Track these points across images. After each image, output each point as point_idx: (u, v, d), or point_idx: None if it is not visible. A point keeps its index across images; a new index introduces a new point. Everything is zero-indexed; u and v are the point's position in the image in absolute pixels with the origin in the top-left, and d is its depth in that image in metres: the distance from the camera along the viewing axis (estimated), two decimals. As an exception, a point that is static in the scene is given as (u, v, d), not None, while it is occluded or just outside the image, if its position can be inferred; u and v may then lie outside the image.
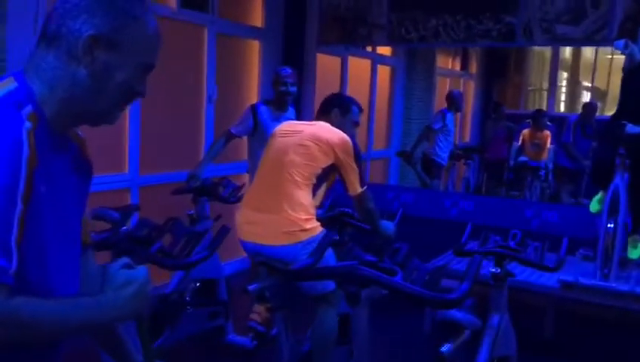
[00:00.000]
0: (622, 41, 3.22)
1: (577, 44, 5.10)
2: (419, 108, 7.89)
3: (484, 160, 7.93)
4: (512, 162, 7.15)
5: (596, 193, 5.97)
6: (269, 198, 2.59)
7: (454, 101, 6.54)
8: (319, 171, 2.60)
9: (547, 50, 9.61)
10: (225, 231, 2.36)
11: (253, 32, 5.09)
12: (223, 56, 4.69)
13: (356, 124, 2.89)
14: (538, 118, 7.04)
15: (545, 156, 6.97)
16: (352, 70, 6.43)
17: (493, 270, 2.50)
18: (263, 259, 2.45)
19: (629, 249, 3.75)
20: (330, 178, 2.71)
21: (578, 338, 4.00)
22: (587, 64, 9.98)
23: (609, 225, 3.45)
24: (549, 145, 6.92)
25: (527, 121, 7.16)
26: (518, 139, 7.18)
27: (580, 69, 10.74)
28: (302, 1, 5.31)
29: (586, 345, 3.85)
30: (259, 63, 5.12)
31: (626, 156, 3.44)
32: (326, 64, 5.95)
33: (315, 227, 2.56)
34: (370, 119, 7.00)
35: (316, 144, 2.61)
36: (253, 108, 3.75)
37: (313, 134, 2.64)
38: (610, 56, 10.37)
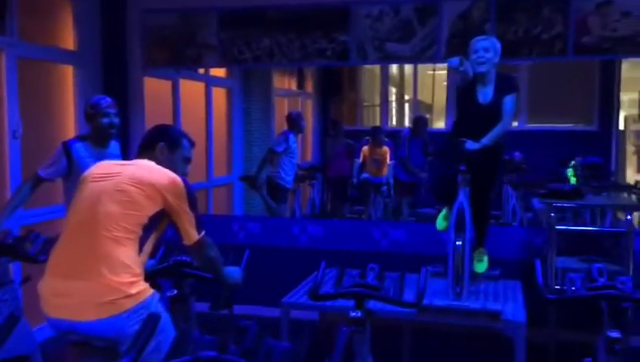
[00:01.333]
0: (456, 59, 3.20)
1: (409, 61, 5.18)
2: (259, 130, 7.67)
3: (326, 178, 7.91)
4: (355, 180, 7.17)
5: (434, 205, 6.22)
6: (80, 261, 2.10)
7: (295, 122, 6.39)
8: (145, 221, 2.16)
9: (377, 67, 9.93)
10: (14, 320, 1.80)
11: (65, 56, 4.48)
12: (29, 84, 4.04)
13: (188, 160, 2.47)
14: (376, 134, 7.15)
15: (385, 172, 7.08)
16: (184, 94, 6.00)
17: (354, 314, 2.26)
18: (79, 338, 1.98)
19: (475, 263, 3.79)
20: (160, 226, 2.28)
21: (435, 355, 3.98)
22: (410, 80, 10.50)
23: (457, 243, 3.42)
24: (388, 160, 7.03)
25: (366, 137, 7.24)
26: (359, 156, 7.23)
27: (404, 84, 11.27)
28: (121, 22, 4.80)
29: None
30: (74, 91, 4.51)
31: (466, 172, 3.44)
32: (155, 89, 5.46)
33: (142, 290, 2.11)
34: (209, 144, 6.61)
35: (138, 188, 2.17)
36: (66, 147, 3.20)
37: (134, 176, 2.20)
38: (431, 72, 11.02)
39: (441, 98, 10.15)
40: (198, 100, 6.47)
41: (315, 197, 7.64)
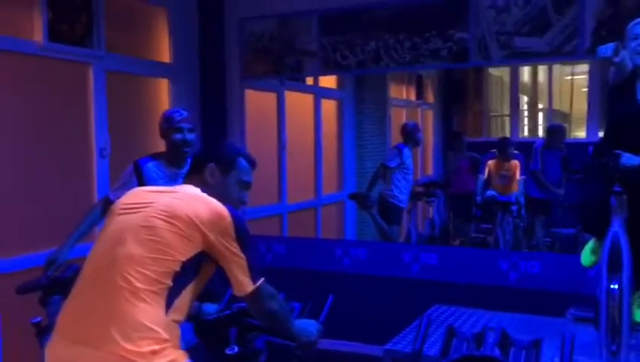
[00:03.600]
0: (609, 46, 2.43)
1: (543, 58, 4.37)
2: (373, 143, 7.12)
3: (448, 195, 7.16)
4: (479, 198, 6.36)
5: (574, 225, 5.27)
6: (91, 321, 1.62)
7: (410, 134, 5.77)
8: (177, 268, 1.66)
9: (506, 74, 9.07)
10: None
11: (159, 69, 4.24)
12: (119, 99, 3.82)
13: (246, 185, 1.98)
14: (504, 147, 6.30)
15: (515, 188, 6.20)
16: (291, 107, 5.62)
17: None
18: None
19: (636, 311, 2.93)
20: (202, 274, 1.77)
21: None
22: (544, 87, 9.49)
23: (612, 286, 2.62)
24: (518, 176, 6.16)
25: (493, 150, 6.42)
26: (484, 171, 6.42)
27: (538, 92, 10.25)
28: (218, 32, 4.50)
29: None
30: (170, 105, 4.25)
31: (622, 193, 2.63)
32: (259, 103, 5.13)
33: (170, 361, 1.59)
34: (318, 160, 6.18)
35: (170, 223, 1.68)
36: (137, 166, 2.86)
37: (167, 207, 1.73)
38: (569, 77, 9.89)
39: (580, 106, 9.08)
40: (307, 113, 6.08)
41: (435, 216, 6.92)
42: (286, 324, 1.89)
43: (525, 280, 3.82)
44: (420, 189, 6.61)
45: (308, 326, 1.98)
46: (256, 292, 1.77)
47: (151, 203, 1.75)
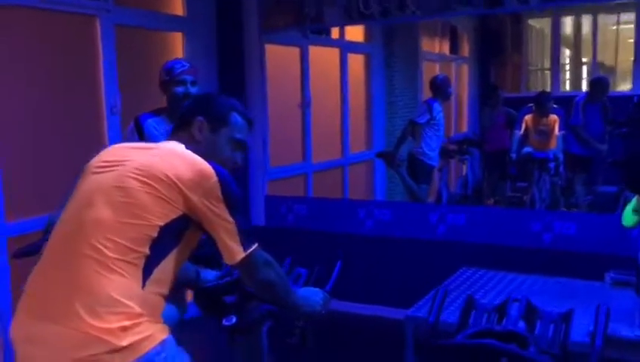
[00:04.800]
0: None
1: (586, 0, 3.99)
2: (404, 100, 6.82)
3: (483, 153, 6.84)
4: (513, 155, 6.04)
5: (616, 183, 4.93)
6: (55, 295, 1.44)
7: (439, 88, 5.46)
8: (154, 234, 1.46)
9: (547, 26, 8.58)
10: None
11: (172, 22, 4.04)
12: (129, 55, 3.65)
13: (239, 144, 1.74)
14: (542, 101, 5.93)
15: (553, 145, 5.85)
16: (315, 62, 5.36)
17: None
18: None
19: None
20: (186, 241, 1.56)
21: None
22: (588, 38, 8.93)
23: (655, 250, 2.38)
24: (557, 131, 5.80)
25: (530, 105, 6.06)
26: (520, 127, 6.07)
27: (581, 44, 9.68)
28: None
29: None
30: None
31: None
32: (280, 58, 4.90)
33: (141, 340, 1.40)
34: (344, 117, 5.94)
35: (145, 183, 1.48)
36: (137, 123, 2.69)
37: (144, 165, 1.52)
38: (614, 27, 9.29)
39: (626, 58, 8.52)
40: (332, 68, 5.81)
41: (469, 174, 6.63)
42: (284, 294, 1.70)
43: (560, 242, 3.58)
44: (452, 147, 6.31)
45: (312, 295, 1.80)
46: (248, 260, 1.57)
47: (126, 160, 1.56)
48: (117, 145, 1.67)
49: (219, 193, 1.53)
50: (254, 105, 4.45)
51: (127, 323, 1.39)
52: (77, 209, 1.52)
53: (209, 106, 1.72)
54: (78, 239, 1.46)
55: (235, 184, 1.58)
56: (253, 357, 1.91)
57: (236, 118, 1.73)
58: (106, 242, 1.43)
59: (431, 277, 3.08)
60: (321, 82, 5.49)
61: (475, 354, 1.46)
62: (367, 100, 6.43)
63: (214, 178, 1.53)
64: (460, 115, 8.00)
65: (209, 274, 1.98)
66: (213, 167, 1.55)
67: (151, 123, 2.68)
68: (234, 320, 1.81)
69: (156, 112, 2.75)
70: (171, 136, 1.72)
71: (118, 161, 1.56)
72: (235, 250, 1.55)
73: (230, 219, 1.54)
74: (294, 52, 5.20)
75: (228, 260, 1.57)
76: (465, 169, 6.60)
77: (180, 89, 2.65)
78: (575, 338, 1.71)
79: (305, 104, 5.29)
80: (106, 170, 1.55)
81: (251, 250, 1.58)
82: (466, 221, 3.83)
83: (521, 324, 1.57)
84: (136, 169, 1.51)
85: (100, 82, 3.51)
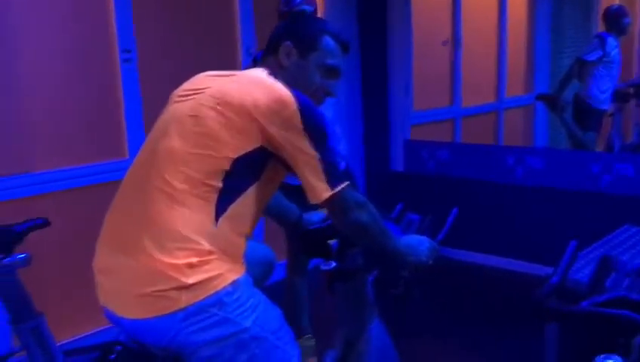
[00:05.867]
0: None
1: None
2: (573, 35, 6.04)
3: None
4: None
5: None
6: (128, 227, 1.39)
7: (614, 20, 4.71)
8: (226, 167, 1.34)
9: None
10: None
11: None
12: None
13: (332, 71, 1.54)
14: None
15: None
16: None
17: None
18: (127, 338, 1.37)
19: None
20: (269, 175, 1.43)
21: None
22: None
23: None
24: None
25: None
26: None
27: None
28: None
29: None
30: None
31: None
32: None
33: (211, 278, 1.31)
34: (501, 57, 5.42)
35: (219, 111, 1.36)
36: (255, 61, 2.60)
37: (219, 93, 1.40)
38: None
39: None
40: (488, 1, 5.30)
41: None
42: (381, 240, 1.51)
43: None
44: (630, 90, 5.50)
45: (418, 244, 1.58)
46: (336, 199, 1.39)
47: (205, 88, 1.45)
48: (202, 74, 1.57)
49: (299, 123, 1.37)
50: (397, 43, 4.21)
51: (194, 259, 1.30)
52: (154, 139, 1.46)
53: (297, 29, 1.55)
54: (150, 170, 1.40)
55: (321, 114, 1.41)
56: (355, 308, 1.77)
57: (328, 41, 1.54)
58: (177, 174, 1.35)
59: (585, 234, 2.69)
60: (473, 16, 5.03)
61: (608, 324, 1.17)
62: (529, 36, 5.79)
63: (293, 106, 1.37)
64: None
65: (314, 216, 1.86)
66: (295, 94, 1.39)
67: None
68: (332, 265, 1.68)
69: None
70: (259, 63, 1.59)
71: (198, 89, 1.46)
72: (318, 188, 1.38)
73: (313, 152, 1.37)
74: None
75: (312, 199, 1.41)
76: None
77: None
78: None
79: (456, 42, 4.90)
80: (185, 99, 1.47)
81: (339, 188, 1.40)
82: (634, 172, 3.29)
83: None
84: (212, 97, 1.40)
85: (236, 23, 3.49)
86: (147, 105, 3.10)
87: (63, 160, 2.91)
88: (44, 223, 2.05)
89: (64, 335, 2.79)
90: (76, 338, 2.87)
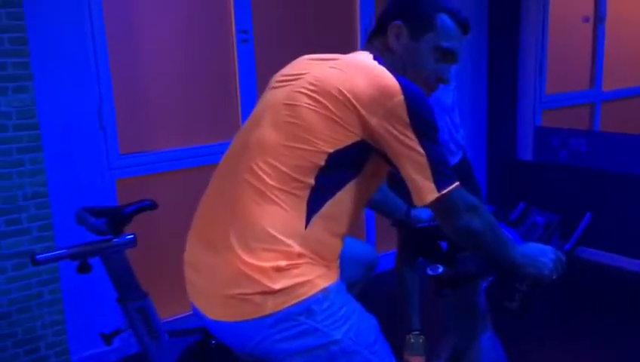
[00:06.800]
0: None
1: None
2: None
3: None
4: None
5: None
6: (217, 220, 1.29)
7: None
8: (321, 162, 1.20)
9: None
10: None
11: None
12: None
13: (448, 54, 1.34)
14: None
15: None
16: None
17: None
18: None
19: None
20: (369, 171, 1.26)
21: None
22: None
23: None
24: None
25: None
26: None
27: None
28: None
29: None
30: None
31: None
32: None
33: (300, 284, 1.18)
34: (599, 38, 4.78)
35: (316, 100, 1.22)
36: None
37: (318, 80, 1.24)
38: None
39: None
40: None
41: None
42: (495, 248, 1.31)
43: None
44: None
45: (540, 254, 1.36)
46: (443, 202, 1.22)
47: (303, 74, 1.30)
48: (303, 56, 1.43)
49: (405, 115, 1.19)
50: (531, 19, 3.86)
51: (282, 263, 1.19)
52: (248, 127, 1.35)
53: (410, 6, 1.35)
54: (241, 161, 1.28)
55: (427, 105, 1.23)
56: (465, 317, 1.59)
57: (445, 20, 1.33)
58: (266, 167, 1.23)
59: None
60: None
61: None
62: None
63: (399, 95, 1.19)
64: None
65: (423, 213, 1.69)
66: (401, 83, 1.21)
67: None
68: (440, 270, 1.50)
69: None
70: (365, 45, 1.42)
71: (297, 75, 1.32)
72: (424, 188, 1.21)
73: (419, 148, 1.20)
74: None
75: (416, 201, 1.24)
76: None
77: None
78: None
79: (598, 19, 4.40)
80: (283, 84, 1.33)
81: (448, 189, 1.22)
82: None
83: None
84: (309, 83, 1.26)
85: (355, 3, 3.36)
86: (262, 87, 3.05)
87: (182, 139, 2.96)
88: (151, 205, 2.06)
89: (164, 315, 2.84)
90: (176, 317, 2.93)
